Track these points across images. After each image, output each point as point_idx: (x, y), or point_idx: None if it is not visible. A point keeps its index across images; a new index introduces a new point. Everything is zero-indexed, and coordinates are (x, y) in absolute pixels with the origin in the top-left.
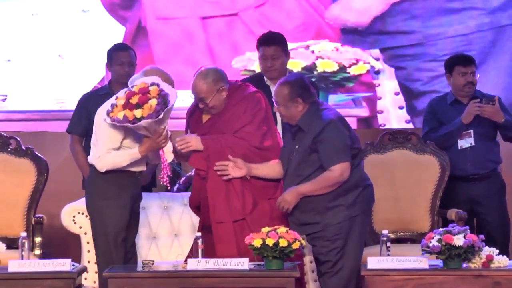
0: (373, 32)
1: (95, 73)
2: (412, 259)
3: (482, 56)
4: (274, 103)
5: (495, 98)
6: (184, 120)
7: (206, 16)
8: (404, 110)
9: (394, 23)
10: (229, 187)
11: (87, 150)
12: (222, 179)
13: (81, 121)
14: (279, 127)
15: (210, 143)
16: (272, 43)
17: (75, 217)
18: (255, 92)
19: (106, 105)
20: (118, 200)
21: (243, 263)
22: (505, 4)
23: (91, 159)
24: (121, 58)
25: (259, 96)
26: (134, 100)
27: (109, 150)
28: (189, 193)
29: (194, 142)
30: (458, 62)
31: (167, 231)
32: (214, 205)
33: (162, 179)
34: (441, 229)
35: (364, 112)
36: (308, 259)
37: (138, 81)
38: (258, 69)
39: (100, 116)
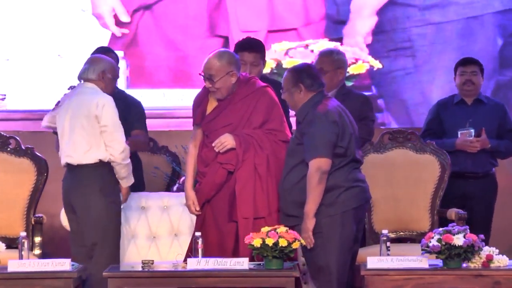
0: (332, 21)
1: None
2: (412, 259)
3: (426, 54)
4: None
5: (483, 130)
6: (185, 120)
7: (272, 30)
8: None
9: (346, 12)
10: (257, 184)
11: None
12: (251, 175)
13: None
14: None
15: (242, 139)
16: (254, 50)
17: None
18: (266, 86)
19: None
20: (117, 196)
21: (243, 263)
22: (442, 2)
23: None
24: None
25: (270, 91)
26: None
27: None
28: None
29: (229, 140)
30: (460, 63)
31: (167, 231)
32: (241, 199)
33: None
34: (440, 229)
35: None
36: None
37: None
38: None
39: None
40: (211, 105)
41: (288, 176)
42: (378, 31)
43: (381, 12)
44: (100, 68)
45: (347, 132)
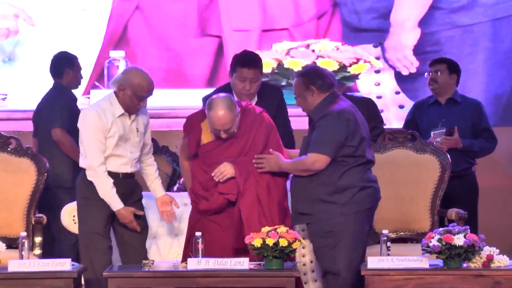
0: (352, 28)
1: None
2: (412, 259)
3: (455, 57)
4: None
5: (455, 129)
6: (184, 120)
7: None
8: (405, 109)
9: (368, 20)
10: (260, 212)
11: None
12: (254, 204)
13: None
14: None
15: (242, 169)
16: (254, 66)
17: (75, 216)
18: (262, 111)
19: (90, 110)
20: (96, 200)
21: (243, 263)
22: (469, 3)
23: (84, 164)
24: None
25: (266, 116)
26: None
27: (100, 156)
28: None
29: (229, 169)
30: (429, 64)
31: (167, 231)
32: (250, 226)
33: None
34: (441, 229)
35: None
36: (308, 259)
37: None
38: None
39: (82, 120)
40: (206, 135)
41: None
42: None
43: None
44: (120, 80)
45: (358, 131)
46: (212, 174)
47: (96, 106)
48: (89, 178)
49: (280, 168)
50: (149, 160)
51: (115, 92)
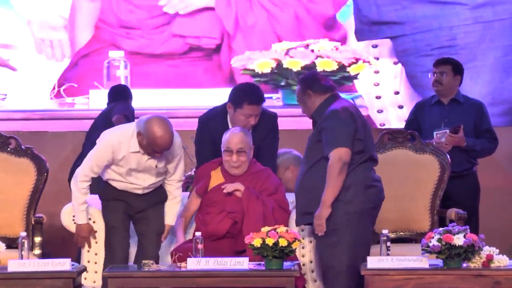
0: (369, 22)
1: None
2: (412, 259)
3: (471, 52)
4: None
5: (461, 127)
6: (185, 120)
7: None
8: (404, 109)
9: (388, 12)
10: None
11: None
12: (260, 219)
13: None
14: None
15: (251, 191)
16: (262, 102)
17: (75, 217)
18: (265, 169)
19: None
20: (114, 200)
21: (243, 263)
22: (490, 0)
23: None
24: None
25: (272, 172)
26: None
27: (89, 176)
28: (189, 193)
29: (239, 184)
30: (433, 64)
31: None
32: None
33: None
34: (441, 229)
35: (364, 111)
36: (307, 259)
37: None
38: (257, 69)
39: (100, 140)
40: (214, 183)
41: (308, 174)
42: (423, 29)
43: (427, 11)
44: (141, 127)
45: (362, 126)
46: (222, 187)
47: (118, 134)
48: (71, 183)
49: (329, 205)
50: (176, 191)
51: (137, 131)
